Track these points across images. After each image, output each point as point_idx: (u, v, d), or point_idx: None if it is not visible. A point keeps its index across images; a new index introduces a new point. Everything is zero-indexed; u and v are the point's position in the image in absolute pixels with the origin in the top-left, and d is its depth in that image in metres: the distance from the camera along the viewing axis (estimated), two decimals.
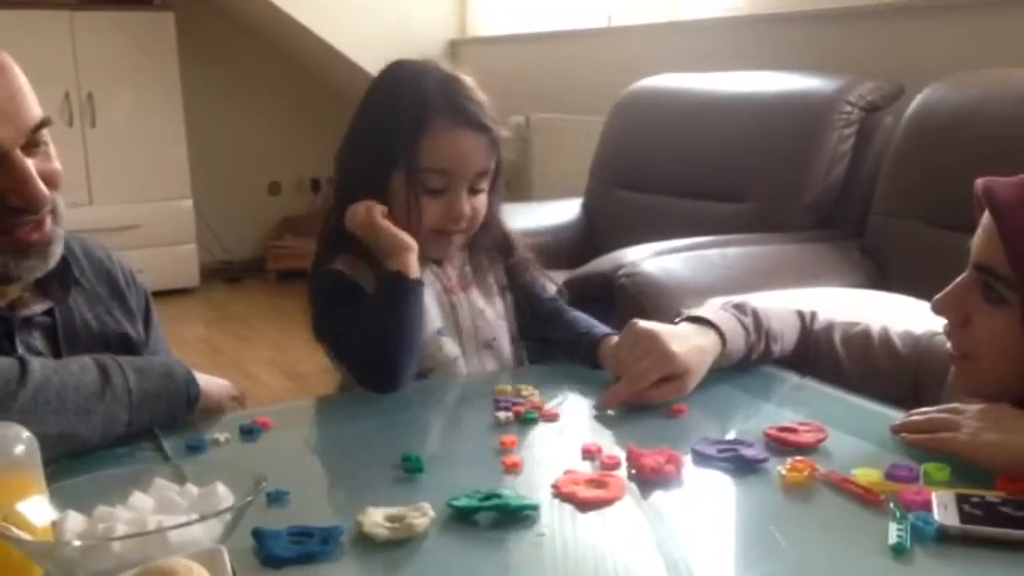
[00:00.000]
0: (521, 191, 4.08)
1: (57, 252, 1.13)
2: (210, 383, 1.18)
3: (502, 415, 1.13)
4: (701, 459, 1.00)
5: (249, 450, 1.08)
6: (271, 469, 0.84)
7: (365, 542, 0.83)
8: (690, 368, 1.17)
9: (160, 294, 4.00)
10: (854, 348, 1.29)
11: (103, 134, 4.77)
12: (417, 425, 1.22)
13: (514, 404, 1.16)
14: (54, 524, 0.78)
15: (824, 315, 1.34)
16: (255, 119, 5.40)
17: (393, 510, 0.86)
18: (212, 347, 4.22)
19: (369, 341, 1.24)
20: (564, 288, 1.52)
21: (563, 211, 3.17)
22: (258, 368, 3.88)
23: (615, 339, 1.27)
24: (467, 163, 1.32)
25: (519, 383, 1.23)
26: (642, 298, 2.04)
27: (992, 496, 0.86)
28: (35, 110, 1.07)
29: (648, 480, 0.95)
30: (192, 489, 0.82)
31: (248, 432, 1.11)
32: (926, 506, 0.85)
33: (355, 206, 1.31)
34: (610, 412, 1.16)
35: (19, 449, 0.78)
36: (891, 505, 0.87)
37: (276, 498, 0.91)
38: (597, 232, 3.07)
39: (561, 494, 0.92)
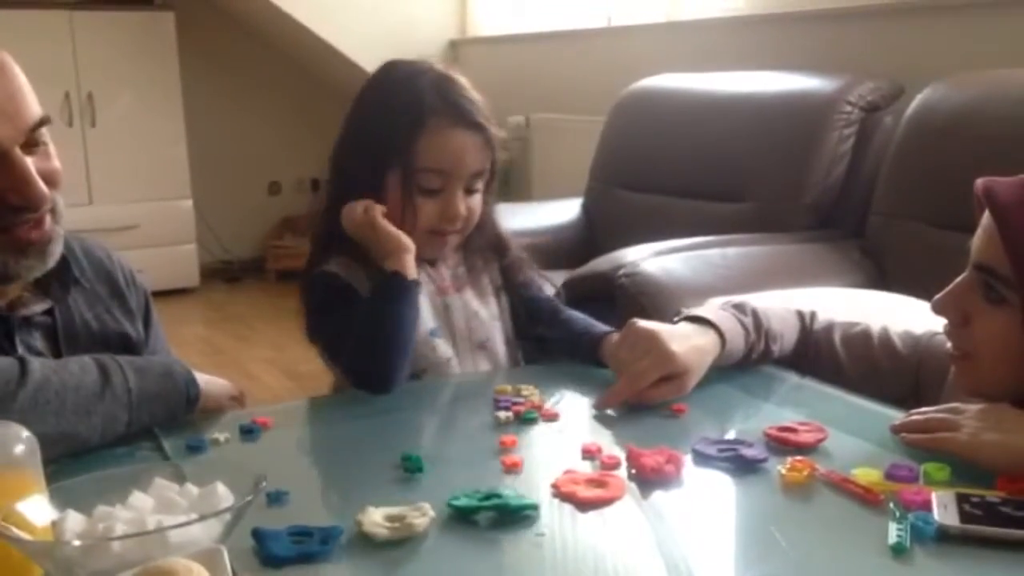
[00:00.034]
0: (521, 191, 4.08)
1: (56, 251, 1.13)
2: (210, 383, 1.18)
3: (502, 415, 1.13)
4: (701, 459, 1.00)
5: (249, 450, 1.08)
6: (271, 469, 0.84)
7: (365, 542, 0.83)
8: (690, 368, 1.17)
9: (160, 294, 4.01)
10: (854, 348, 1.29)
11: (103, 134, 4.77)
12: (417, 425, 1.22)
13: (514, 404, 1.16)
14: (54, 524, 0.78)
15: (824, 315, 1.34)
16: (255, 119, 5.40)
17: (393, 510, 0.86)
18: (212, 347, 4.22)
19: (363, 342, 1.24)
20: (561, 289, 1.52)
21: (563, 211, 3.17)
22: (258, 368, 3.88)
23: (616, 337, 1.27)
24: (463, 163, 1.32)
25: (519, 383, 1.23)
26: (642, 298, 2.04)
27: (992, 496, 0.86)
28: (34, 108, 1.07)
29: (648, 480, 0.95)
30: (192, 489, 0.82)
31: (248, 432, 1.11)
32: (926, 506, 0.85)
33: (352, 205, 1.30)
34: (610, 412, 1.16)
35: (19, 449, 0.78)
36: (891, 505, 0.87)
37: (276, 498, 0.91)
38: (597, 232, 3.07)
39: (561, 494, 0.92)
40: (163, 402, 1.10)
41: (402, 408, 1.22)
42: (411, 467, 0.98)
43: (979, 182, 1.03)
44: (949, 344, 1.08)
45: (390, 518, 0.85)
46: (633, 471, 0.96)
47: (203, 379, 1.16)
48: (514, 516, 0.87)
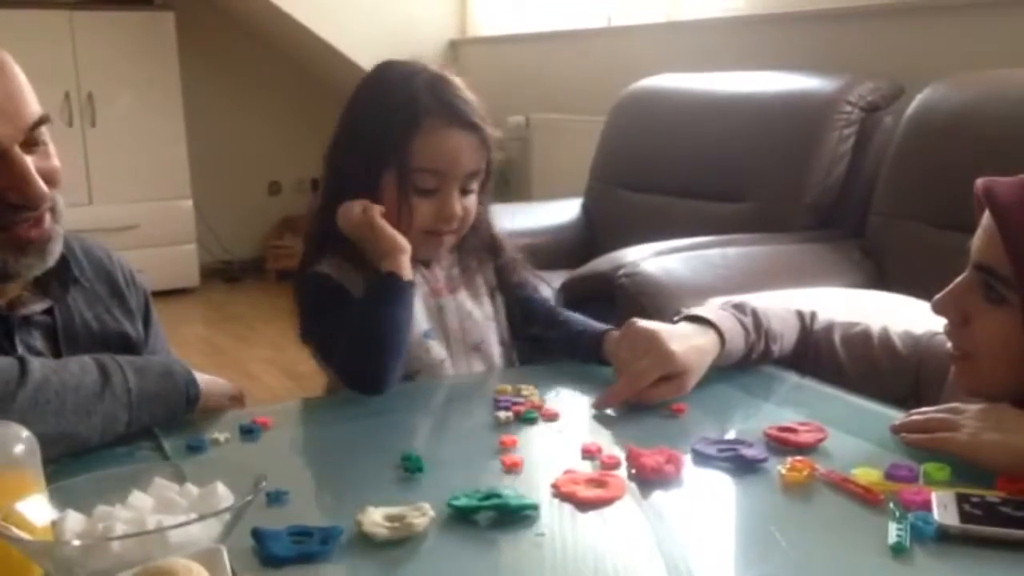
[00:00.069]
0: (521, 191, 4.08)
1: (56, 250, 1.13)
2: (210, 383, 1.18)
3: (502, 415, 1.13)
4: (701, 459, 1.00)
5: (249, 450, 1.08)
6: (271, 469, 0.84)
7: (365, 542, 0.83)
8: (689, 367, 1.17)
9: (160, 294, 4.01)
10: (854, 348, 1.29)
11: (103, 134, 4.77)
12: (417, 425, 1.22)
13: (514, 404, 1.16)
14: (54, 524, 0.78)
15: (824, 315, 1.34)
16: (255, 119, 5.40)
17: (393, 510, 0.86)
18: (212, 347, 4.22)
19: (357, 342, 1.23)
20: (559, 290, 1.52)
21: (563, 211, 3.17)
22: (258, 368, 3.88)
23: (617, 333, 1.27)
24: (459, 163, 1.32)
25: (519, 382, 1.23)
26: (642, 298, 2.04)
27: (992, 496, 0.86)
28: (34, 107, 1.07)
29: (648, 480, 0.95)
30: (192, 489, 0.82)
31: (248, 432, 1.11)
32: (926, 506, 0.85)
33: (350, 204, 1.30)
34: (609, 412, 1.16)
35: (19, 448, 0.78)
36: (891, 505, 0.87)
37: (276, 498, 0.91)
38: (597, 232, 3.07)
39: (561, 494, 0.92)
40: (163, 402, 1.10)
41: (402, 408, 1.22)
42: (411, 467, 0.98)
43: (979, 182, 1.03)
44: (949, 344, 1.08)
45: (390, 518, 0.85)
46: (633, 471, 0.96)
47: (203, 379, 1.16)
48: (514, 516, 0.87)
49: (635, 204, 2.98)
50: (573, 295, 2.12)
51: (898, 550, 0.79)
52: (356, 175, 1.32)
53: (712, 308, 1.28)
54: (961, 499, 0.85)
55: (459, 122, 1.31)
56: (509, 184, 4.07)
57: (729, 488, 0.95)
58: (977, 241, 1.03)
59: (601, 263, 2.23)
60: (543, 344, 1.43)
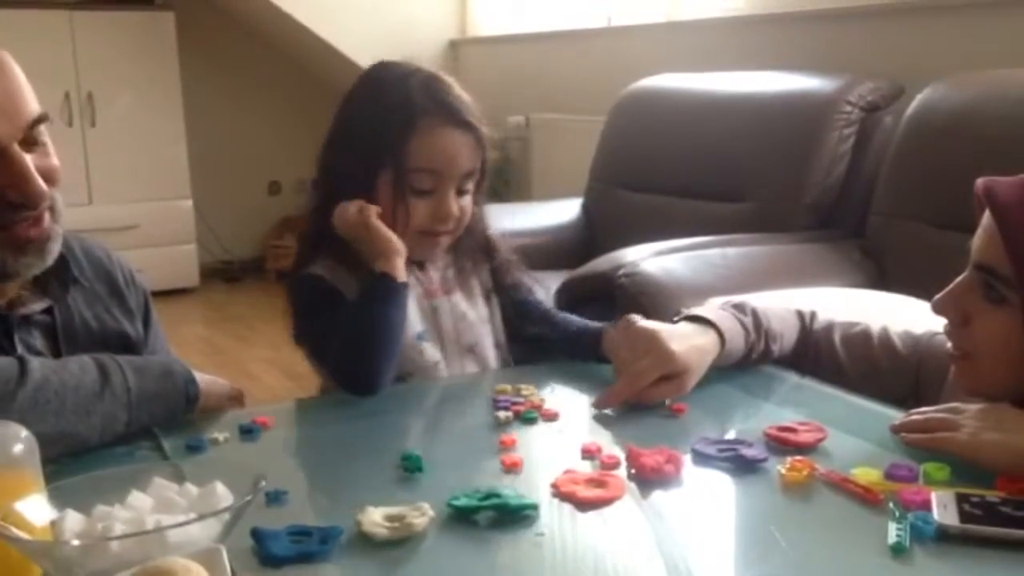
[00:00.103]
0: (521, 191, 4.08)
1: (55, 249, 1.13)
2: (209, 382, 1.18)
3: (502, 414, 1.13)
4: (701, 459, 1.00)
5: (248, 450, 1.08)
6: (270, 469, 0.84)
7: (364, 542, 0.83)
8: (689, 367, 1.17)
9: (160, 294, 4.01)
10: (854, 348, 1.29)
11: (103, 134, 4.76)
12: (416, 424, 1.22)
13: (514, 403, 1.16)
14: (53, 523, 0.78)
15: (824, 315, 1.34)
16: (255, 119, 5.40)
17: (392, 509, 0.86)
18: (212, 347, 4.22)
19: (350, 343, 1.23)
20: (559, 290, 1.52)
21: (563, 211, 3.17)
22: (258, 368, 3.88)
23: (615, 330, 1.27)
24: (455, 163, 1.32)
25: (518, 382, 1.23)
26: (642, 298, 2.04)
27: (992, 496, 0.86)
28: (33, 106, 1.07)
29: (648, 480, 0.94)
30: (191, 488, 0.82)
31: (247, 431, 1.11)
32: (926, 506, 0.85)
33: (346, 205, 1.30)
34: (609, 412, 1.16)
35: (18, 448, 0.78)
36: (891, 505, 0.87)
37: (275, 497, 0.91)
38: (597, 232, 3.07)
39: (561, 494, 0.92)
40: (163, 402, 1.10)
41: (401, 408, 1.22)
42: (411, 467, 0.98)
43: (979, 182, 1.03)
44: (949, 344, 1.08)
45: (390, 518, 0.85)
46: (633, 471, 0.96)
47: (202, 379, 1.16)
48: (514, 516, 0.87)
49: (635, 204, 2.98)
50: (573, 295, 2.12)
51: (898, 550, 0.79)
52: (351, 176, 1.32)
53: (712, 308, 1.28)
54: (961, 499, 0.85)
55: (455, 122, 1.31)
56: (509, 184, 4.08)
57: (729, 488, 0.95)
58: (977, 241, 1.03)
59: (601, 263, 2.23)
60: (542, 344, 1.43)
